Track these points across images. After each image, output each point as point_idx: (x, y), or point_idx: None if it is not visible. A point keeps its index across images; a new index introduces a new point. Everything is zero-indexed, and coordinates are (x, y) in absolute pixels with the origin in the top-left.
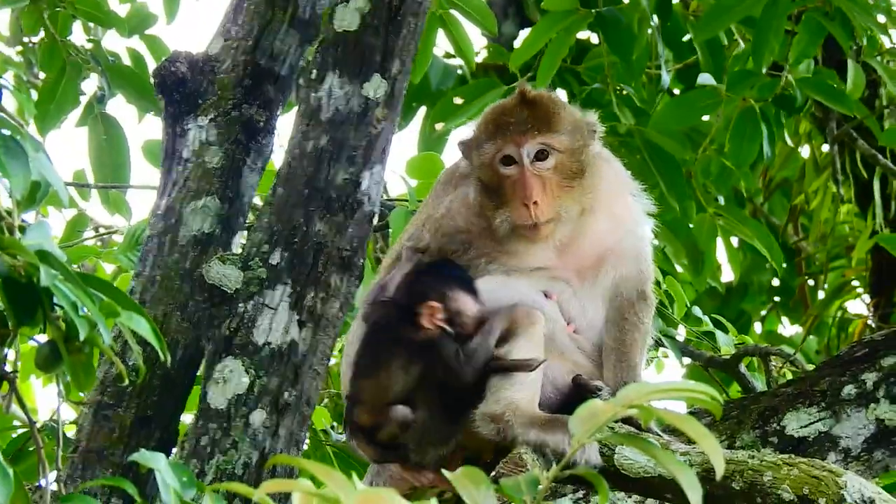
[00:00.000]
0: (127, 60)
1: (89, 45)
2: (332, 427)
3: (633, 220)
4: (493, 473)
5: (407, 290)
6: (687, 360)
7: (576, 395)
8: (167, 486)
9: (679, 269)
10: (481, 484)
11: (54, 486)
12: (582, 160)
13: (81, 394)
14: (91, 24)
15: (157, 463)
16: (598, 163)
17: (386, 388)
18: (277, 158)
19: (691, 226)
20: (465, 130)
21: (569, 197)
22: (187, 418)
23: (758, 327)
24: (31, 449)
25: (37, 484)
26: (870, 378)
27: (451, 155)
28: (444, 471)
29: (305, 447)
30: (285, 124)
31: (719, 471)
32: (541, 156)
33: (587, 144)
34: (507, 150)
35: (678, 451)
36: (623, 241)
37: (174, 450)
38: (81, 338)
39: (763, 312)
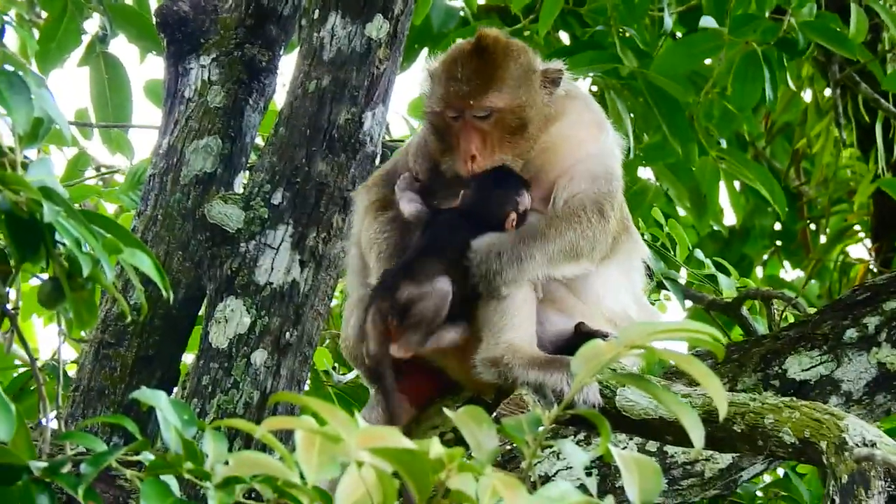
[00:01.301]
0: (129, 0)
1: None
2: (334, 368)
3: (600, 150)
4: (494, 414)
5: (485, 200)
6: (689, 303)
7: (577, 341)
8: (168, 425)
9: (682, 212)
10: (483, 423)
11: (55, 424)
12: (527, 114)
13: (83, 333)
14: None
15: (158, 401)
16: (565, 103)
17: (440, 271)
18: (279, 98)
19: (694, 169)
20: (433, 62)
21: (510, 148)
22: (189, 358)
23: (759, 271)
24: (32, 388)
25: (38, 422)
26: (872, 322)
27: None
28: (445, 409)
29: (307, 388)
30: (287, 64)
31: (722, 412)
32: (482, 113)
33: (537, 97)
34: (452, 106)
35: (680, 393)
36: (579, 165)
37: (175, 389)
38: (84, 274)
39: (765, 257)
